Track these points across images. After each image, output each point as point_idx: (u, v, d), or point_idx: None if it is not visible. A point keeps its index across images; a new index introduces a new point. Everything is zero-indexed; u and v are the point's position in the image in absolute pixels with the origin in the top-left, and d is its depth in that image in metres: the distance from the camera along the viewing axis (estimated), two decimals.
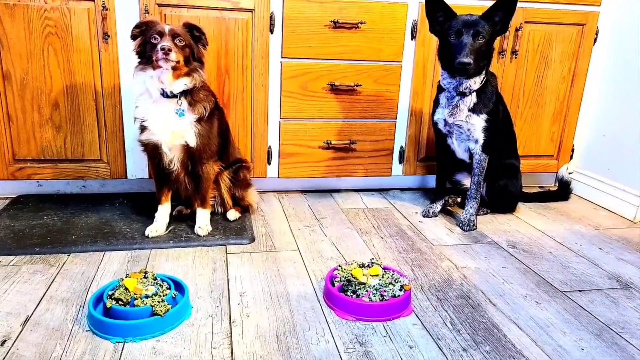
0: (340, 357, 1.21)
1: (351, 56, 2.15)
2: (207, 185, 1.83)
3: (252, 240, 1.81)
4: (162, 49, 1.54)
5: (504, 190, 2.15)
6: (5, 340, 1.20)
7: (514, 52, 2.30)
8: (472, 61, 1.77)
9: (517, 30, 2.26)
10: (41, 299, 1.38)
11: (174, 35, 1.60)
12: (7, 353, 1.15)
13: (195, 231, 1.82)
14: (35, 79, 1.90)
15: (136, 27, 1.64)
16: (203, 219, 1.86)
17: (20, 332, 1.24)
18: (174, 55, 1.57)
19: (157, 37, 1.59)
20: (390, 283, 1.44)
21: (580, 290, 1.58)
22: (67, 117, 1.96)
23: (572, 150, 2.57)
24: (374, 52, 2.16)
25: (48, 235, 1.72)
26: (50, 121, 1.95)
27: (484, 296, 1.52)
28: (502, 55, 2.29)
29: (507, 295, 1.54)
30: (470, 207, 2.05)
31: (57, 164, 2.01)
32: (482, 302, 1.49)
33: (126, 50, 1.92)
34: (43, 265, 1.56)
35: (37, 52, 1.87)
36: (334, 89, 2.17)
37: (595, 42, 2.40)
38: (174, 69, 1.61)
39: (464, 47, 1.78)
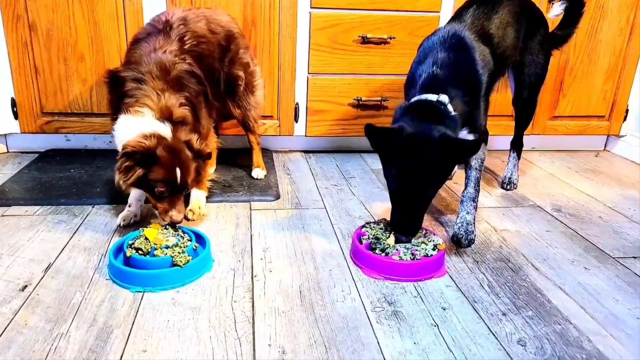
0: (367, 315, 1.14)
1: (384, 6, 2.00)
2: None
3: (277, 197, 1.74)
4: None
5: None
6: (26, 286, 1.18)
7: None
8: None
9: None
10: (64, 247, 1.36)
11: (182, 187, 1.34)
12: (27, 298, 1.13)
13: (186, 214, 1.52)
14: (61, 30, 1.85)
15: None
16: (197, 201, 1.57)
17: (42, 278, 1.22)
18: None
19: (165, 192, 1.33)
20: (422, 242, 1.35)
21: (634, 257, 1.44)
22: (92, 70, 1.93)
23: (627, 110, 2.35)
24: (409, 2, 2.01)
25: (74, 187, 1.71)
26: (76, 73, 1.92)
27: (526, 260, 1.41)
28: (552, 3, 2.08)
29: (551, 259, 1.41)
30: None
31: (84, 117, 1.98)
32: (524, 266, 1.38)
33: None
34: (68, 216, 1.54)
35: (62, 2, 1.82)
36: (366, 42, 2.04)
37: None
38: None
39: None
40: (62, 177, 1.78)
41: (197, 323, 1.09)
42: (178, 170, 1.31)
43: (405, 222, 1.30)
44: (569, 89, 2.25)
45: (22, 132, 1.97)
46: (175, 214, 1.34)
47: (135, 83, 1.36)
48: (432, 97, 1.30)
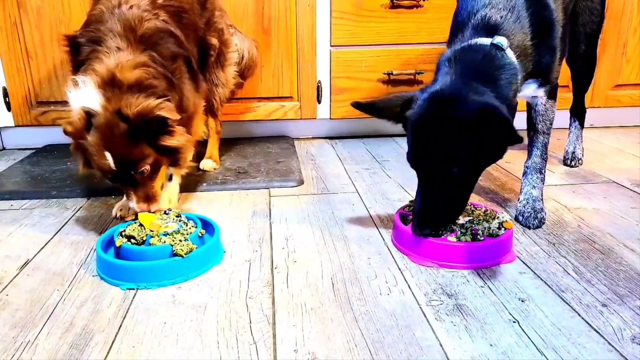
0: (422, 310, 0.87)
1: None
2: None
3: (301, 183, 1.50)
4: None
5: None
6: None
7: None
8: None
9: None
10: (47, 242, 1.13)
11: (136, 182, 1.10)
12: None
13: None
14: (52, 7, 1.67)
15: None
16: (171, 187, 1.30)
17: (15, 276, 1.00)
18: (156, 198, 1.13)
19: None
20: (484, 220, 1.07)
21: None
22: None
23: None
24: None
25: (68, 179, 1.50)
26: None
27: (615, 240, 1.12)
28: None
29: None
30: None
31: None
32: (614, 247, 1.08)
33: None
34: (58, 209, 1.33)
35: None
36: (395, 6, 1.79)
37: None
38: None
39: None
40: (57, 170, 1.58)
41: (202, 325, 0.84)
42: (108, 155, 1.04)
43: (423, 208, 1.00)
44: (634, 52, 1.94)
45: (16, 125, 1.78)
46: (134, 205, 1.11)
47: (91, 46, 1.10)
48: (485, 40, 1.02)
